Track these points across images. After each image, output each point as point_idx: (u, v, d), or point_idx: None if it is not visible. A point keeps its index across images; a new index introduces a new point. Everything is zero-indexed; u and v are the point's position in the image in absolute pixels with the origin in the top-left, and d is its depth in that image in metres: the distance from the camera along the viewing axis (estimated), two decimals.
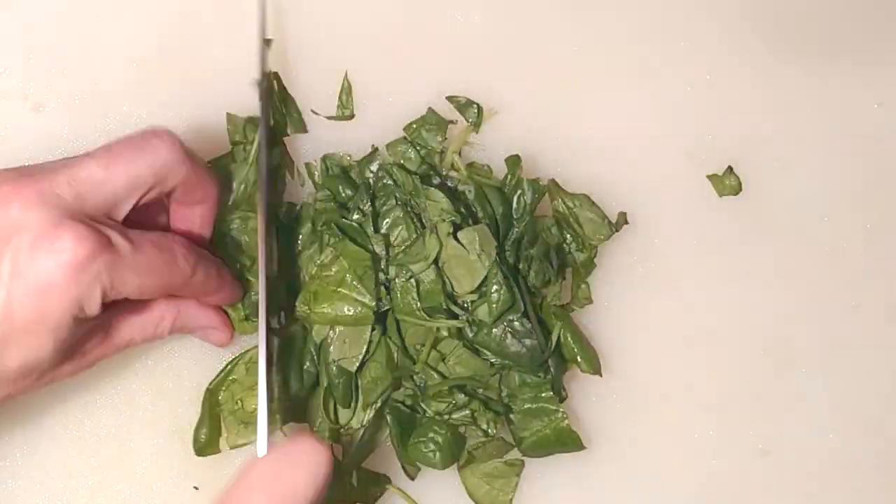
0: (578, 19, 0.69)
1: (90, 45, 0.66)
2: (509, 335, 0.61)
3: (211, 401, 0.62)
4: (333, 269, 0.60)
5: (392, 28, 0.67)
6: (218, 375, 0.63)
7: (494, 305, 0.60)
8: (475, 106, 0.66)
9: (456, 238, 0.60)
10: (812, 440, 0.68)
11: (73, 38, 0.66)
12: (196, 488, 0.64)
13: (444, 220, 0.60)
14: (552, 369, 0.62)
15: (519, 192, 0.63)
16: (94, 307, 0.50)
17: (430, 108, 0.65)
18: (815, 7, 0.70)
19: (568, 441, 0.62)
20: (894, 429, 0.69)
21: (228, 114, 0.64)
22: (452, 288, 0.61)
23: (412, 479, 0.62)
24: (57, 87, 0.65)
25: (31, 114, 0.65)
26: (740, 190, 0.68)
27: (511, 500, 0.62)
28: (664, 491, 0.67)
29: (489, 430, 0.61)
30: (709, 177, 0.68)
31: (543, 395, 0.62)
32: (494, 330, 0.61)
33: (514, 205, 0.63)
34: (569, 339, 0.63)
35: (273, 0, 0.66)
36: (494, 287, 0.60)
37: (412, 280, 0.60)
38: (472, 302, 0.61)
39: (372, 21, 0.67)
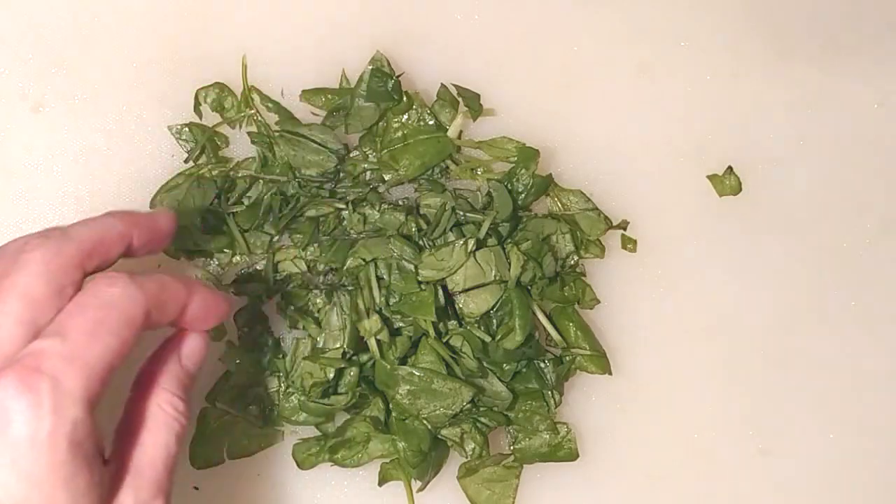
0: (578, 19, 0.69)
1: (90, 45, 0.66)
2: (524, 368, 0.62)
3: (203, 421, 0.63)
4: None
5: (391, 27, 0.67)
6: (217, 384, 0.63)
7: (517, 337, 0.60)
8: (474, 94, 0.65)
9: (474, 256, 0.60)
10: (812, 440, 0.68)
11: (73, 38, 0.66)
12: (196, 488, 0.64)
13: (469, 238, 0.60)
14: (554, 376, 0.63)
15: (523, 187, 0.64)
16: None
17: (442, 84, 0.64)
18: (815, 7, 0.70)
19: (564, 456, 0.63)
20: (894, 428, 0.69)
21: (168, 126, 0.64)
22: (462, 305, 0.61)
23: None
24: (57, 87, 0.65)
25: (31, 114, 0.65)
26: (740, 190, 0.68)
27: (513, 503, 0.62)
28: (664, 491, 0.67)
29: (473, 454, 0.62)
30: (709, 177, 0.68)
31: (545, 410, 0.62)
32: (507, 367, 0.61)
33: (520, 201, 0.63)
34: (580, 338, 0.63)
35: (271, 0, 0.67)
36: (518, 314, 0.60)
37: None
38: (485, 319, 0.61)
39: (370, 21, 0.67)
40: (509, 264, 0.61)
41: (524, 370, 0.62)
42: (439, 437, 0.61)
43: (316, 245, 0.62)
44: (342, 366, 0.60)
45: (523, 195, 0.63)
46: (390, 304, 0.61)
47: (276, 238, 0.63)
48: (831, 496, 0.68)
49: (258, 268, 0.64)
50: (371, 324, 0.59)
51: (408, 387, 0.59)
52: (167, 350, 0.51)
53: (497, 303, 0.61)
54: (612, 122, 0.68)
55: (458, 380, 0.60)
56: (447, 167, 0.64)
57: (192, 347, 0.51)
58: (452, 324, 0.61)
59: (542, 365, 0.63)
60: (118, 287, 0.45)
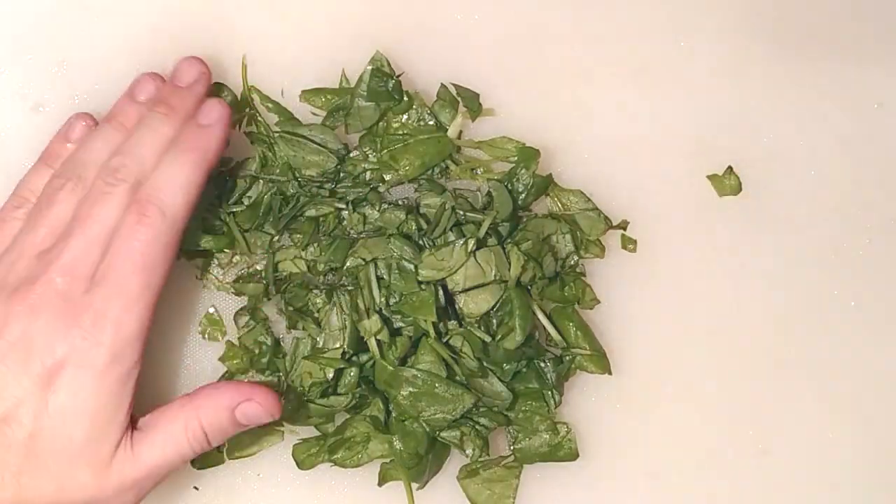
0: (578, 19, 0.69)
1: (90, 44, 0.66)
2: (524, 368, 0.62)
3: None
4: None
5: (391, 27, 0.67)
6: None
7: (518, 337, 0.60)
8: (473, 94, 0.65)
9: (474, 256, 0.60)
10: (812, 440, 0.68)
11: (73, 38, 0.66)
12: (196, 488, 0.64)
13: (469, 237, 0.60)
14: (554, 375, 0.63)
15: (523, 186, 0.63)
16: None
17: (442, 84, 0.64)
18: (815, 7, 0.70)
19: (565, 456, 0.63)
20: (894, 428, 0.69)
21: None
22: (462, 305, 0.61)
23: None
24: (57, 87, 0.65)
25: (31, 114, 0.65)
26: (740, 190, 0.68)
27: (513, 503, 0.62)
28: (664, 491, 0.67)
29: (473, 456, 0.62)
30: (709, 177, 0.68)
31: (545, 410, 0.62)
32: (507, 366, 0.61)
33: (520, 201, 0.63)
34: (580, 338, 0.63)
35: (270, 0, 0.67)
36: (518, 314, 0.60)
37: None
38: (485, 319, 0.61)
39: (370, 20, 0.67)
40: (509, 264, 0.61)
41: (524, 370, 0.62)
42: (438, 438, 0.61)
43: (316, 245, 0.62)
44: (342, 366, 0.60)
45: (523, 195, 0.63)
46: (390, 304, 0.61)
47: (276, 238, 0.63)
48: (831, 496, 0.68)
49: (258, 268, 0.64)
50: (371, 324, 0.59)
51: (410, 388, 0.59)
52: None
53: (497, 303, 0.61)
54: (612, 122, 0.68)
55: (461, 386, 0.60)
56: (447, 167, 0.64)
57: None
58: (452, 324, 0.61)
59: (542, 365, 0.63)
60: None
